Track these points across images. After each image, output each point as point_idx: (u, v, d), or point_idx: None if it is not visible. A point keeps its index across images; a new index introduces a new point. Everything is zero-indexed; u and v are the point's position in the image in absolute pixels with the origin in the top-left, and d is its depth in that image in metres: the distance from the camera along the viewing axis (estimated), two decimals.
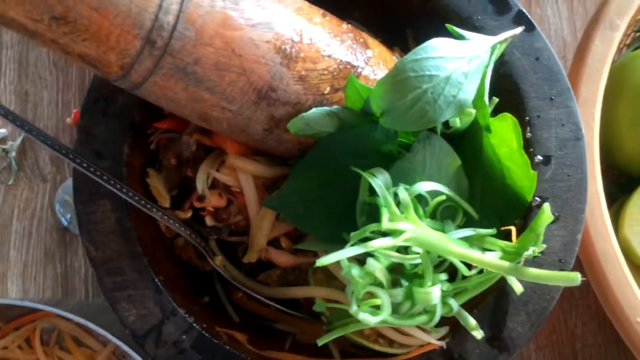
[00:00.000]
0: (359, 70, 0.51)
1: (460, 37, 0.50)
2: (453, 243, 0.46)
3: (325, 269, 0.54)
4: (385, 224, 0.45)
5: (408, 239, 0.45)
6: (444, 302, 0.48)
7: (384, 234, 0.46)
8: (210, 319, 0.55)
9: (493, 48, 0.50)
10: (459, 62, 0.48)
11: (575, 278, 0.42)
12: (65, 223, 0.77)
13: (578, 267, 0.62)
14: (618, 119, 0.69)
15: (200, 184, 0.55)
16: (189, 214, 0.56)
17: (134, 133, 0.55)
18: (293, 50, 0.47)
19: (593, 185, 0.61)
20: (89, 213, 0.53)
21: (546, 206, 0.46)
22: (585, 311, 0.76)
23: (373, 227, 0.46)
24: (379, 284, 0.46)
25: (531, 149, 0.54)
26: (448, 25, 0.51)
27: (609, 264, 0.60)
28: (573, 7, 0.83)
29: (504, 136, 0.50)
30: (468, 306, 0.50)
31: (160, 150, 0.58)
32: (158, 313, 0.52)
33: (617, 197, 0.72)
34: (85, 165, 0.50)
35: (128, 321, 0.51)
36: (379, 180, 0.47)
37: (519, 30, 0.51)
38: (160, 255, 0.56)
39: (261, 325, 0.60)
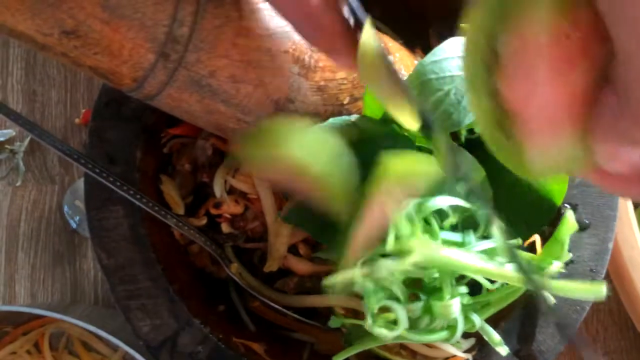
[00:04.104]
0: None
1: None
2: (470, 258, 0.44)
3: None
4: (390, 246, 0.44)
5: (417, 261, 0.43)
6: (466, 317, 0.46)
7: None
8: (226, 328, 0.53)
9: None
10: None
11: (599, 291, 0.41)
12: (74, 225, 0.75)
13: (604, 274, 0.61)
14: None
15: (219, 190, 0.53)
16: (204, 221, 0.55)
17: (146, 136, 0.53)
18: (312, 59, 0.45)
19: None
20: (101, 219, 0.51)
21: (569, 214, 0.45)
22: (607, 317, 0.74)
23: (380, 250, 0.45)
24: (396, 298, 0.44)
25: None
26: (463, 25, 0.49)
27: (637, 271, 0.58)
28: None
29: None
30: (496, 318, 0.48)
31: (174, 155, 0.57)
32: (173, 323, 0.50)
33: None
34: (97, 170, 0.48)
35: (142, 331, 0.50)
36: None
37: None
38: (174, 262, 0.54)
39: (278, 335, 0.58)
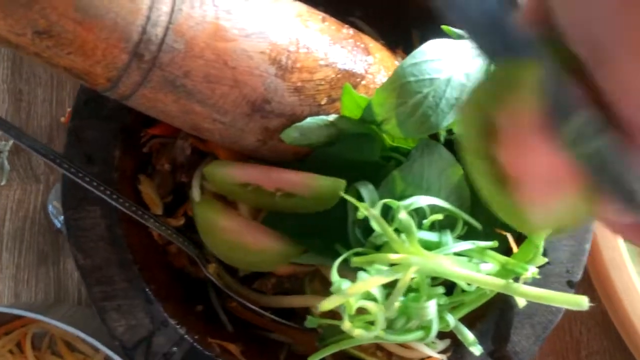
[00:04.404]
0: (358, 79, 0.49)
1: (457, 37, 0.49)
2: (452, 263, 0.44)
3: (322, 277, 0.53)
4: (395, 256, 0.44)
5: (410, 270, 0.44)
6: (441, 317, 0.46)
7: (377, 247, 0.45)
8: (203, 329, 0.53)
9: None
10: (459, 62, 0.46)
11: (581, 303, 0.41)
12: (58, 225, 0.75)
13: (585, 275, 0.61)
14: None
15: (197, 192, 0.53)
16: (182, 222, 0.55)
17: (125, 136, 0.53)
18: (289, 60, 0.45)
19: None
20: (78, 219, 0.51)
21: None
22: (590, 318, 0.74)
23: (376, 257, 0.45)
24: (373, 298, 0.44)
25: None
26: (444, 27, 0.49)
27: (617, 272, 0.58)
28: None
29: None
30: (472, 318, 0.48)
31: (153, 155, 0.57)
32: (148, 324, 0.50)
33: None
34: (73, 170, 0.48)
35: (117, 332, 0.50)
36: (365, 196, 0.46)
37: None
38: (151, 262, 0.54)
39: (256, 335, 0.58)
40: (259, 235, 0.51)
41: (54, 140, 0.77)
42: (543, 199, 0.25)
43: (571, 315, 0.74)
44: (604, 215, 0.26)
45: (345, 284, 0.44)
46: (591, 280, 0.63)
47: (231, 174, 0.50)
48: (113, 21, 0.39)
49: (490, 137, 0.25)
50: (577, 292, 0.44)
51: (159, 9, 0.40)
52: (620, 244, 0.58)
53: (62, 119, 0.77)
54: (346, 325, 0.44)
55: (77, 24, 0.38)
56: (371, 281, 0.43)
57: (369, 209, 0.45)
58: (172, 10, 0.41)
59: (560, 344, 0.73)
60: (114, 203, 0.49)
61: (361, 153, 0.48)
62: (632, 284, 0.58)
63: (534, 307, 0.50)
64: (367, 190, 0.47)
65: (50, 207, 0.75)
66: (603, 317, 0.74)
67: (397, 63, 0.54)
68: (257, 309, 0.54)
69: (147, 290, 0.51)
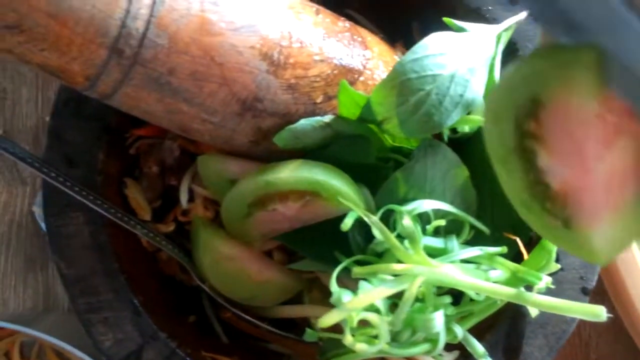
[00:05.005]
0: (356, 75, 0.46)
1: (459, 30, 0.46)
2: (459, 272, 0.41)
3: (321, 286, 0.50)
4: (399, 267, 0.41)
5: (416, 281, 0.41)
6: (448, 328, 0.43)
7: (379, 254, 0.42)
8: (196, 341, 0.50)
9: (498, 37, 0.46)
10: (463, 57, 0.44)
11: (599, 314, 0.38)
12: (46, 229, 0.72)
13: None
14: None
15: (184, 199, 0.50)
16: (172, 227, 0.52)
17: (110, 137, 0.50)
18: (281, 56, 0.42)
19: None
20: (61, 226, 0.48)
21: None
22: (600, 321, 0.71)
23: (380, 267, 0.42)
24: (376, 310, 0.42)
25: None
26: (446, 19, 0.46)
27: (630, 276, 0.56)
28: None
29: None
30: (481, 329, 0.46)
31: (140, 157, 0.54)
32: (137, 337, 0.47)
33: None
34: (53, 175, 0.45)
35: (104, 346, 0.47)
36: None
37: (523, 15, 0.47)
38: (140, 271, 0.51)
39: (253, 347, 0.55)
40: (263, 266, 0.49)
41: (40, 142, 0.75)
42: (605, 213, 0.21)
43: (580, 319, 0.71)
44: None
45: (346, 296, 0.41)
46: (601, 284, 0.61)
47: (226, 168, 0.47)
48: (89, 14, 0.36)
49: (530, 136, 0.21)
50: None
51: (139, 1, 0.38)
52: (634, 247, 0.55)
53: (48, 119, 0.75)
54: (348, 339, 0.41)
55: (50, 17, 0.36)
56: (374, 293, 0.40)
57: (369, 216, 0.42)
58: (154, 2, 0.38)
59: (569, 347, 0.71)
60: (97, 209, 0.46)
61: (356, 155, 0.45)
62: None
63: (546, 316, 0.47)
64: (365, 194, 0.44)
65: (37, 211, 0.73)
66: (614, 320, 0.71)
67: (396, 57, 0.51)
68: (253, 319, 0.52)
69: (134, 301, 0.48)
